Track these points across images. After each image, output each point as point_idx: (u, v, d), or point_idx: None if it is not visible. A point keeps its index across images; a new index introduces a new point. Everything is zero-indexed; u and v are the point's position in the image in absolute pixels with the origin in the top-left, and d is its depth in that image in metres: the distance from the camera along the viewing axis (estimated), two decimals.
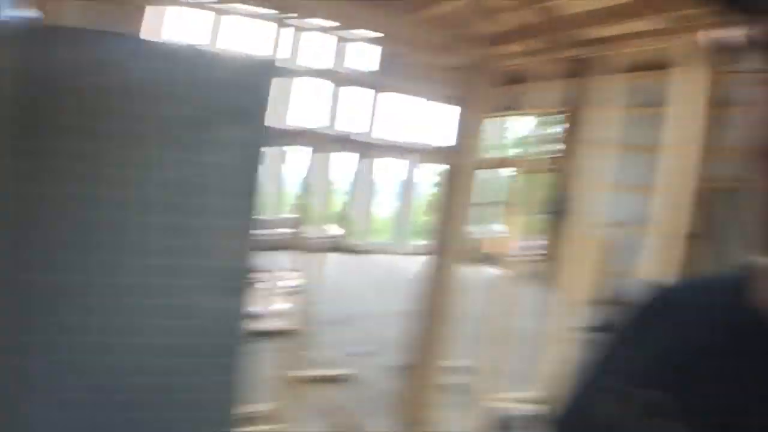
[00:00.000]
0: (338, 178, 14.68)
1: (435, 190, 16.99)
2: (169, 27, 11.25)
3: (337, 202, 14.97)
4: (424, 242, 15.81)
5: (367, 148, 14.25)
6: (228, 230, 3.96)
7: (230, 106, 3.87)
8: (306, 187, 13.79)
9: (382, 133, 14.60)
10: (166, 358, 3.96)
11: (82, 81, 3.62)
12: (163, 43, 3.84)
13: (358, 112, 14.29)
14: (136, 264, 3.83)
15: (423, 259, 13.76)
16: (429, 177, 16.97)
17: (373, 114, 14.35)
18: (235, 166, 3.92)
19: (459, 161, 4.68)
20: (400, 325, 7.97)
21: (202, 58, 3.89)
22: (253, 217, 4.00)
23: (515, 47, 4.58)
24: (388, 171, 15.26)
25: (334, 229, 14.22)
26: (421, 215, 16.95)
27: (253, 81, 3.91)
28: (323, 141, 12.63)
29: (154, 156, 3.78)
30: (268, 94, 3.92)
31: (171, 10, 11.21)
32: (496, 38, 4.55)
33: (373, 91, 14.11)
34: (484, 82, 4.54)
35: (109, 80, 3.67)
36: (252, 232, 4.01)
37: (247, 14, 12.08)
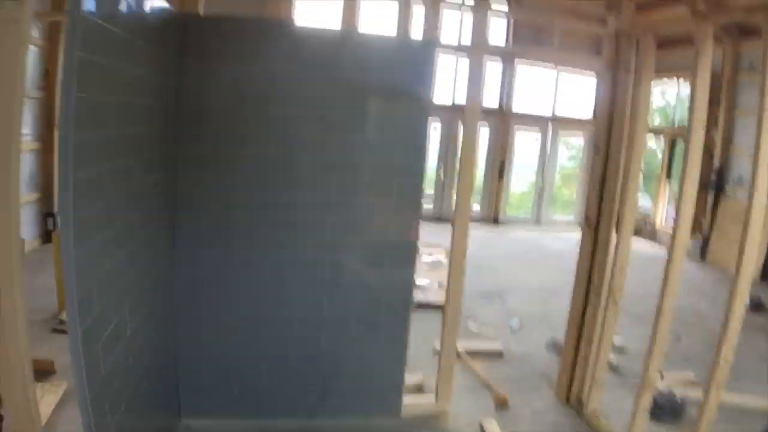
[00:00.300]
0: (476, 150, 14.52)
1: (574, 161, 16.53)
2: (298, 12, 11.45)
3: (475, 175, 14.85)
4: (564, 215, 15.47)
5: (504, 119, 14.03)
6: (399, 206, 4.02)
7: (399, 87, 3.91)
8: (443, 160, 13.92)
9: (519, 104, 14.34)
10: (341, 330, 4.13)
11: (250, 68, 3.74)
12: (324, 29, 3.89)
13: (495, 84, 14.09)
14: (311, 241, 3.98)
15: (564, 233, 13.45)
16: (568, 149, 16.53)
17: (510, 86, 14.11)
18: (404, 145, 3.97)
19: (605, 127, 4.52)
20: (550, 300, 7.88)
21: (368, 41, 3.93)
22: (420, 192, 4.04)
23: (667, 12, 4.34)
24: (526, 143, 14.93)
25: (474, 203, 14.11)
26: (561, 188, 16.54)
27: (419, 61, 3.92)
28: (461, 114, 12.58)
29: (327, 138, 3.87)
30: (433, 73, 3.94)
31: None
32: (645, 4, 4.37)
33: (509, 62, 13.86)
34: (639, 47, 4.34)
35: (276, 67, 3.78)
36: (419, 206, 4.06)
37: None
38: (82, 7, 2.05)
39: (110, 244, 2.48)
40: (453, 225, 4.22)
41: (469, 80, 4.05)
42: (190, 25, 3.62)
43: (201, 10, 3.74)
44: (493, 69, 13.77)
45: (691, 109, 3.80)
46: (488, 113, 13.29)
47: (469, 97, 4.06)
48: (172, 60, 3.48)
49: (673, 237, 3.84)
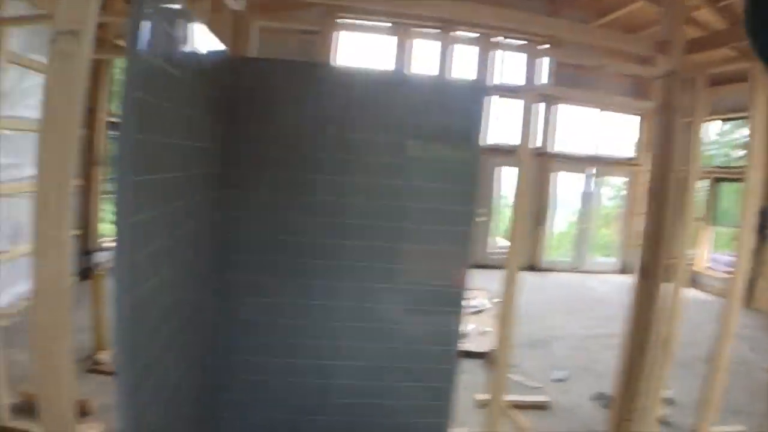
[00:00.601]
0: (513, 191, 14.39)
1: (614, 201, 16.31)
2: (342, 52, 11.68)
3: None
4: (605, 258, 15.18)
5: (545, 160, 13.90)
6: (447, 253, 3.91)
7: (449, 129, 3.82)
8: (484, 202, 13.79)
9: (560, 144, 14.19)
10: (384, 380, 3.99)
11: (299, 112, 3.70)
12: (373, 70, 3.85)
13: (536, 124, 13.98)
14: (356, 288, 3.87)
15: (606, 276, 13.18)
16: (609, 190, 16.29)
17: (551, 126, 14.00)
18: (453, 191, 3.86)
19: (662, 172, 4.40)
20: (594, 348, 7.68)
21: (416, 82, 3.87)
22: (469, 239, 3.92)
23: (714, 54, 4.26)
24: (566, 183, 14.75)
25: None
26: (602, 230, 16.29)
27: (469, 102, 3.83)
28: (499, 154, 12.49)
29: (374, 182, 3.79)
30: (483, 116, 3.83)
31: (342, 36, 11.56)
32: (694, 45, 4.29)
33: (551, 102, 13.77)
34: (685, 89, 4.24)
35: (324, 110, 3.73)
36: (467, 253, 3.93)
37: (422, 36, 12.19)
38: (141, 47, 2.00)
39: (161, 290, 2.42)
40: (504, 272, 4.10)
41: (523, 124, 3.97)
42: (242, 67, 3.62)
43: (252, 53, 3.73)
44: (533, 108, 13.64)
45: (749, 150, 3.69)
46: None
47: (522, 141, 3.97)
48: (224, 102, 3.46)
49: (730, 291, 3.69)
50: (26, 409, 4.19)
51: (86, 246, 8.69)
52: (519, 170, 3.96)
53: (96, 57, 8.56)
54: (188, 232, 2.89)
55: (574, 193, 14.78)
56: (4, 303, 6.12)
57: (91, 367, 5.44)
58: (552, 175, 14.02)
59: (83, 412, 4.48)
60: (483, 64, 3.96)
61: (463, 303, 4.01)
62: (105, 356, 5.53)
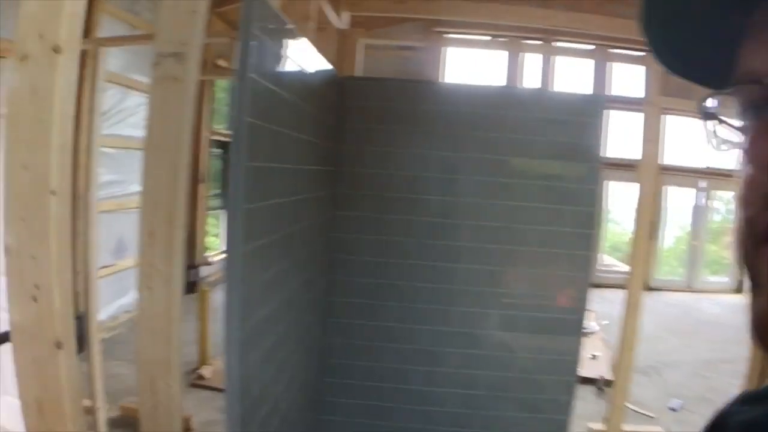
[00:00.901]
0: (619, 207, 13.89)
1: (721, 215, 15.52)
2: (450, 68, 11.30)
3: (620, 233, 14.16)
4: (719, 278, 14.37)
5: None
6: (565, 277, 3.69)
7: (566, 146, 3.60)
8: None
9: (668, 157, 13.59)
10: (496, 411, 3.79)
11: (408, 131, 3.61)
12: (482, 86, 3.72)
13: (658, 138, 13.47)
14: (466, 313, 3.72)
15: (719, 296, 12.46)
16: (720, 204, 15.49)
17: (660, 138, 13.44)
18: (572, 210, 3.65)
19: None
20: (710, 375, 7.22)
21: (529, 97, 3.70)
22: (589, 261, 3.70)
23: None
24: (676, 198, 14.09)
25: (618, 263, 13.39)
26: (712, 246, 15.47)
27: (587, 117, 3.62)
28: (611, 169, 12.04)
29: (484, 203, 3.64)
30: (601, 130, 3.62)
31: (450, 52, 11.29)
32: None
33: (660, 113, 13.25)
34: None
35: (433, 128, 3.62)
36: (588, 277, 3.71)
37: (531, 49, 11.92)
38: (251, 70, 1.91)
39: (273, 317, 2.35)
40: (625, 293, 3.87)
41: (645, 138, 3.73)
42: (349, 86, 3.56)
43: (358, 71, 3.67)
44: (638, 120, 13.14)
45: None
46: (632, 165, 12.61)
47: (645, 156, 3.73)
48: (332, 122, 3.40)
49: None
50: (126, 423, 4.21)
51: (191, 260, 8.86)
52: (641, 187, 3.71)
53: (203, 78, 8.76)
54: (300, 256, 2.83)
55: (683, 208, 14.09)
56: (106, 315, 6.23)
57: (194, 381, 5.46)
58: (662, 189, 13.41)
59: (184, 428, 4.49)
60: (600, 76, 3.75)
61: (582, 329, 3.79)
62: (208, 371, 5.54)
